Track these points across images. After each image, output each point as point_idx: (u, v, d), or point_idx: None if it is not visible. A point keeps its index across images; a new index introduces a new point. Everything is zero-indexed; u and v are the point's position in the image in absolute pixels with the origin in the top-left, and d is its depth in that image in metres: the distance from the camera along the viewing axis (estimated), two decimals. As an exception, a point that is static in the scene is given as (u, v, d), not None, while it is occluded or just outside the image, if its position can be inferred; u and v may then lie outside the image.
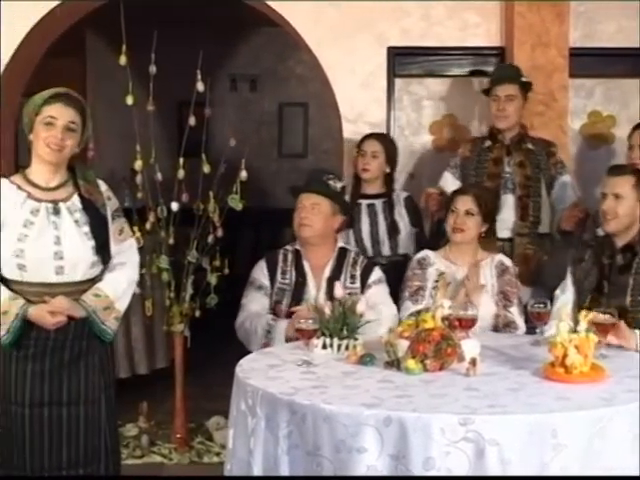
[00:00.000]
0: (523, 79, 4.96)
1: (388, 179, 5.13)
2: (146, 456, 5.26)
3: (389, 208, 5.07)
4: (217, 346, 7.29)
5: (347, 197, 4.74)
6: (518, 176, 4.90)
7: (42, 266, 3.47)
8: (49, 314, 3.45)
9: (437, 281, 4.17)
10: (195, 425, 5.60)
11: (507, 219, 4.88)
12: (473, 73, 5.58)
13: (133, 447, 5.24)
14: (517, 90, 4.91)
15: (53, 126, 3.49)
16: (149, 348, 6.64)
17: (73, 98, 3.57)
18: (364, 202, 5.09)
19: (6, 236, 3.46)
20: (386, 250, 5.03)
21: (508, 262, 4.48)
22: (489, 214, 4.44)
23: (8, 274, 3.50)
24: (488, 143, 4.99)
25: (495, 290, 4.37)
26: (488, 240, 4.49)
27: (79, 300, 3.52)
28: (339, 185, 4.37)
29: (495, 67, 5.25)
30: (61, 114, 3.50)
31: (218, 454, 5.23)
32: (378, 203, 5.10)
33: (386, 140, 5.13)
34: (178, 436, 5.37)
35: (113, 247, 3.64)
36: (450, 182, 5.00)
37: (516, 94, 4.91)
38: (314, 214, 4.30)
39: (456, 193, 4.50)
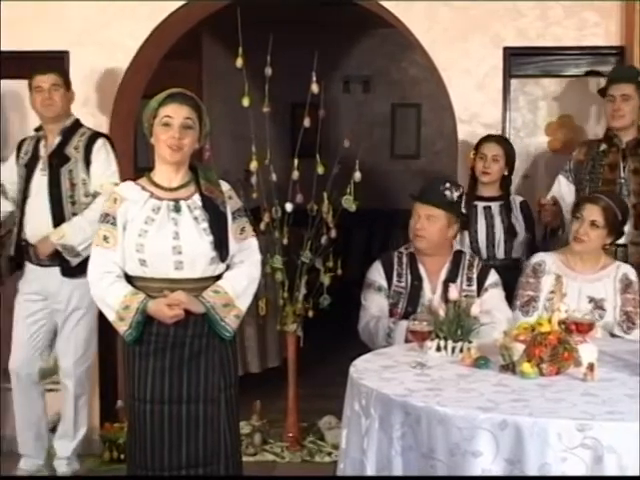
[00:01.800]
0: None
1: (505, 182, 5.08)
2: (259, 454, 5.33)
3: (506, 211, 5.01)
4: (329, 346, 7.36)
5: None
6: (633, 183, 4.76)
7: (162, 260, 3.55)
8: (167, 307, 3.52)
9: (553, 292, 4.04)
10: (307, 424, 5.64)
11: None
12: (590, 73, 5.47)
13: (246, 445, 5.30)
14: (633, 90, 4.80)
15: (170, 126, 3.57)
16: (261, 347, 6.71)
17: (187, 96, 3.65)
18: (480, 204, 5.02)
19: (129, 233, 3.57)
20: (501, 253, 4.94)
21: (633, 276, 4.30)
22: (616, 228, 4.28)
23: (132, 271, 3.61)
24: (603, 147, 4.87)
25: (617, 308, 4.24)
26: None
27: (199, 296, 3.59)
28: (456, 194, 4.31)
29: (612, 67, 5.14)
30: (176, 113, 3.58)
31: (330, 454, 5.26)
32: (494, 206, 5.03)
33: (506, 143, 5.06)
34: (290, 435, 5.41)
35: (233, 246, 3.68)
36: (564, 186, 4.90)
37: (632, 94, 4.79)
38: (429, 225, 4.27)
39: (585, 200, 4.34)
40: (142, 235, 3.55)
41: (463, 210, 4.44)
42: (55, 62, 5.22)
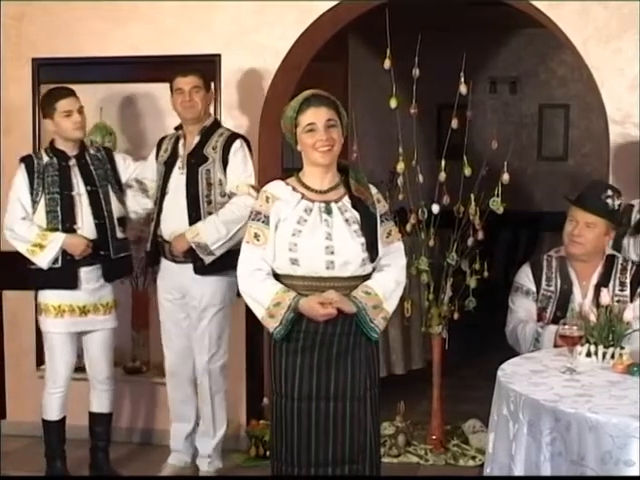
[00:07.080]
0: None
1: None
2: (402, 455, 5.32)
3: None
4: (473, 348, 7.30)
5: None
6: None
7: (314, 260, 3.59)
8: (319, 305, 3.55)
9: None
10: (451, 427, 5.61)
11: None
12: None
13: (389, 446, 5.30)
14: None
15: (316, 131, 3.61)
16: (406, 349, 6.70)
17: (322, 97, 3.68)
18: None
19: (281, 232, 3.63)
20: None
21: None
22: None
23: (281, 269, 3.65)
24: None
25: None
26: None
27: (350, 295, 3.60)
28: (617, 202, 4.18)
29: None
30: (317, 117, 3.62)
31: (474, 457, 5.22)
32: None
33: None
34: (434, 437, 5.39)
35: (380, 249, 3.69)
36: None
37: None
38: (587, 232, 4.15)
39: None
40: (296, 235, 3.60)
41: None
42: (206, 65, 5.33)
